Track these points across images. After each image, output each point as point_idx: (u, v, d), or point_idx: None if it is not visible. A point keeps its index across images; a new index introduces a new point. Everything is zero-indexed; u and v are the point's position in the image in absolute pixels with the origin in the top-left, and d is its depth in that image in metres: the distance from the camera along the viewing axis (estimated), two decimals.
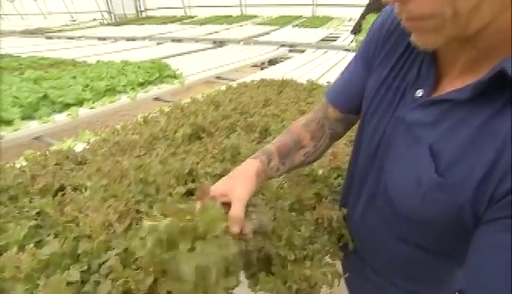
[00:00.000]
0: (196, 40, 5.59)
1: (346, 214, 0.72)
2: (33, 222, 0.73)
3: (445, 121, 0.42)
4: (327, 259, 0.72)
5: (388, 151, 0.53)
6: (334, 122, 0.68)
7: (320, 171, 0.91)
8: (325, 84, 2.13)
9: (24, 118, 1.83)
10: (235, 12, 9.59)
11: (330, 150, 1.06)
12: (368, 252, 0.69)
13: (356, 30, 5.22)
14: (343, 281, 0.84)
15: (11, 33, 7.76)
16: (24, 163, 1.11)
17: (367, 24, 4.44)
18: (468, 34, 0.37)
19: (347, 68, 0.68)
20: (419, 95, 0.47)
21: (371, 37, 0.58)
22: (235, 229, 0.49)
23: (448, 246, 0.53)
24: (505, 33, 0.35)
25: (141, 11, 11.65)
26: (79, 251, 0.62)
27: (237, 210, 0.50)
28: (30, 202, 0.83)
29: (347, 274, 0.67)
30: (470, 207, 0.40)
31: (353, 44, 4.52)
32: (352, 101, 0.64)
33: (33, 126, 1.76)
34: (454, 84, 0.43)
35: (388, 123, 0.53)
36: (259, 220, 0.57)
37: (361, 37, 4.12)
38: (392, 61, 0.53)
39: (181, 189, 0.77)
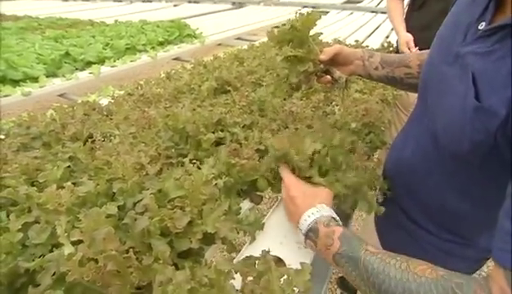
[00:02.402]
0: (214, 1, 5.35)
1: (389, 158, 0.76)
2: (67, 164, 0.74)
3: (496, 51, 0.43)
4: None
5: (441, 86, 0.55)
6: None
7: (353, 124, 0.86)
8: (354, 43, 2.00)
9: (47, 76, 1.84)
10: None
11: (362, 106, 1.01)
12: (406, 198, 0.70)
13: None
14: (373, 228, 0.84)
15: None
16: (54, 114, 1.12)
17: None
18: None
19: None
20: (482, 27, 0.48)
21: None
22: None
23: (484, 192, 0.54)
24: None
25: None
26: (114, 191, 0.63)
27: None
28: (63, 147, 0.84)
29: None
30: (501, 137, 0.41)
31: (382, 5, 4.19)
32: None
33: (57, 83, 1.77)
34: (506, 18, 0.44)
35: (445, 58, 0.54)
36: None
37: None
38: None
39: (211, 136, 0.75)
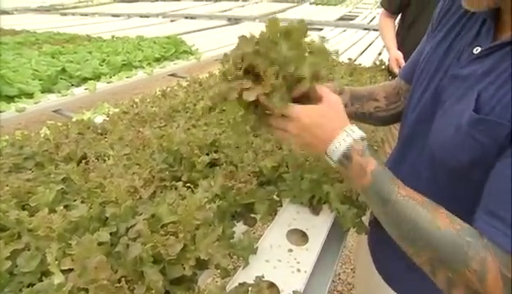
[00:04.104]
0: (211, 17, 5.46)
1: None
2: (60, 186, 0.74)
3: (495, 69, 0.46)
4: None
5: (436, 108, 0.56)
6: (406, 94, 0.72)
7: None
8: (347, 61, 2.04)
9: (43, 92, 1.84)
10: None
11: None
12: None
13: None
14: (367, 252, 0.83)
15: (27, 9, 7.76)
16: (47, 132, 1.12)
17: None
18: None
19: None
20: (477, 51, 0.51)
21: (436, 14, 0.64)
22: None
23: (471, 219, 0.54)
24: None
25: None
26: (107, 215, 0.62)
27: None
28: (56, 168, 0.84)
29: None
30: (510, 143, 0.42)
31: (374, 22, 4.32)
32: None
33: (52, 99, 1.77)
34: (507, 37, 0.47)
35: (439, 83, 0.56)
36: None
37: None
38: (448, 26, 0.59)
39: (206, 159, 0.76)
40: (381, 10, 1.87)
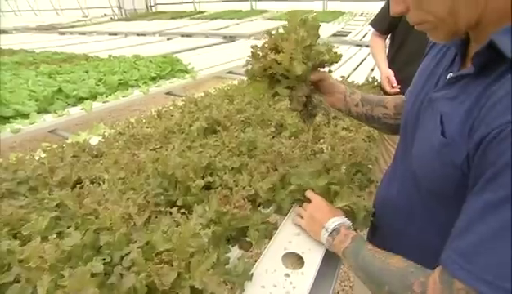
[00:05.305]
0: (206, 35, 5.57)
1: (376, 197, 0.81)
2: (53, 213, 0.73)
3: (461, 95, 0.49)
4: None
5: (416, 128, 0.60)
6: None
7: (343, 168, 0.89)
8: (340, 79, 2.09)
9: (39, 112, 1.85)
10: (245, 7, 9.52)
11: (349, 145, 1.04)
12: (392, 238, 0.72)
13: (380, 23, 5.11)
14: None
15: (26, 28, 7.88)
16: (42, 155, 1.12)
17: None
18: (462, 29, 0.46)
19: None
20: (449, 77, 0.54)
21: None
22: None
23: None
24: (496, 23, 0.42)
25: (151, 6, 11.69)
26: (101, 244, 0.62)
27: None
28: (50, 194, 0.83)
29: None
30: (467, 169, 0.45)
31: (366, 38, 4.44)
32: None
33: (48, 120, 1.78)
34: (467, 69, 0.50)
35: (420, 105, 0.60)
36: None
37: None
38: (434, 51, 0.63)
39: (201, 183, 0.76)
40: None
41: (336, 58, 0.77)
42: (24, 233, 0.65)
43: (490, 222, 0.38)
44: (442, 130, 0.49)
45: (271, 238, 0.78)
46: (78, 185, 0.85)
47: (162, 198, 0.76)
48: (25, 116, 1.77)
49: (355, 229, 0.83)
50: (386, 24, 1.79)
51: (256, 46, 0.75)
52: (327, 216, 0.74)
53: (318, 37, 0.73)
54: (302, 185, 0.83)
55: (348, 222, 0.73)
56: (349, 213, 0.80)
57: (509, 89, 0.39)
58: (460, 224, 0.44)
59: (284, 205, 0.85)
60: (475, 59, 0.45)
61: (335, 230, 0.70)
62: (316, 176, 0.84)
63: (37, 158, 1.07)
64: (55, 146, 1.16)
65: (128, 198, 0.72)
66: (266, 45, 0.73)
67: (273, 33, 0.75)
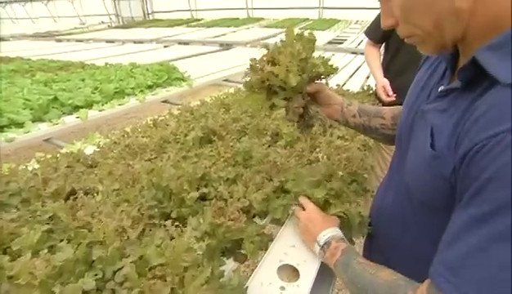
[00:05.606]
0: (203, 43, 5.61)
1: (372, 206, 0.81)
2: (45, 226, 0.72)
3: (451, 108, 0.49)
4: None
5: (410, 139, 0.61)
6: None
7: (340, 173, 0.89)
8: (335, 87, 2.11)
9: (34, 121, 1.84)
10: (242, 15, 9.62)
11: (344, 154, 1.04)
12: (388, 248, 0.73)
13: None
14: None
15: (23, 36, 7.88)
16: (36, 166, 1.11)
17: None
18: (449, 43, 0.47)
19: None
20: (440, 89, 0.55)
21: None
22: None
23: None
24: (480, 38, 0.43)
25: (149, 14, 11.77)
26: (93, 258, 0.61)
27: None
28: (42, 205, 0.82)
29: None
30: (455, 181, 0.46)
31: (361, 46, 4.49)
32: None
33: (43, 129, 1.77)
34: (454, 83, 0.51)
35: (414, 116, 0.61)
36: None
37: None
38: (428, 63, 0.64)
39: (195, 194, 0.76)
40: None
41: (332, 70, 0.78)
42: (15, 249, 0.64)
43: (475, 236, 0.38)
44: (431, 142, 0.50)
45: (266, 250, 0.78)
46: (72, 197, 0.84)
47: (156, 210, 0.75)
48: (20, 125, 1.76)
49: (351, 238, 0.84)
50: (380, 33, 1.81)
51: (254, 58, 0.77)
52: (319, 228, 0.74)
53: (314, 50, 0.74)
54: (299, 193, 0.83)
55: (339, 234, 0.73)
56: (344, 220, 0.80)
57: (491, 104, 0.39)
58: (447, 238, 0.44)
59: (278, 215, 0.84)
60: (461, 74, 0.46)
61: (326, 244, 0.70)
62: (315, 186, 0.84)
63: (30, 168, 1.06)
64: (49, 156, 1.15)
65: (122, 211, 0.72)
66: (264, 58, 0.75)
67: (271, 46, 0.76)
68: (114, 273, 0.59)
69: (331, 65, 0.78)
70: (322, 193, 0.81)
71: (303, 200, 0.82)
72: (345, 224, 0.81)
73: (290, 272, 0.74)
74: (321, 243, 0.71)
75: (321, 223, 0.75)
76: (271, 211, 0.84)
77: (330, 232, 0.72)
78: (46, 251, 0.61)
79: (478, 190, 0.39)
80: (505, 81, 0.38)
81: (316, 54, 0.78)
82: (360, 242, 0.95)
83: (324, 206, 0.82)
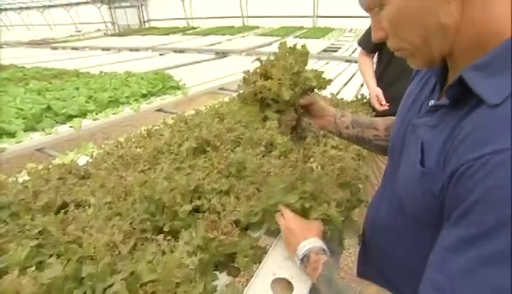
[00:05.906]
0: (199, 51, 5.64)
1: (366, 217, 0.80)
2: (34, 241, 0.70)
3: (441, 124, 0.49)
4: None
5: (402, 152, 0.61)
6: None
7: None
8: (329, 96, 2.12)
9: (26, 130, 1.82)
10: (237, 23, 9.71)
11: (338, 164, 1.04)
12: (382, 260, 0.72)
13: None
14: None
15: (18, 43, 7.86)
16: (27, 177, 1.09)
17: None
18: (437, 57, 0.47)
19: None
20: (431, 104, 0.55)
21: None
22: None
23: None
24: (467, 54, 0.44)
25: (144, 22, 11.83)
26: (83, 275, 0.60)
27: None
28: (32, 219, 0.81)
29: None
30: (444, 199, 0.45)
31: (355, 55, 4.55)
32: None
33: (35, 138, 1.75)
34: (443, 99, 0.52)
35: (405, 130, 0.61)
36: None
37: None
38: (419, 77, 0.64)
39: (188, 207, 0.75)
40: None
41: (325, 83, 0.78)
42: (1, 266, 0.62)
43: (463, 258, 0.38)
44: (421, 159, 0.50)
45: (260, 262, 0.77)
46: (63, 210, 0.82)
47: (148, 223, 0.74)
48: (12, 134, 1.74)
49: (343, 239, 0.82)
50: (372, 43, 1.83)
51: (248, 71, 0.77)
52: (298, 240, 0.71)
53: (306, 63, 0.75)
54: (276, 203, 0.82)
55: (317, 245, 0.69)
56: (327, 221, 0.79)
57: (477, 125, 0.40)
58: (435, 257, 0.44)
59: (272, 227, 0.84)
60: (448, 92, 0.46)
61: (305, 257, 0.68)
62: (288, 191, 0.82)
63: (21, 180, 1.05)
64: (40, 167, 1.14)
65: (114, 225, 0.71)
66: (257, 70, 0.76)
67: (263, 60, 0.77)
68: (105, 290, 0.58)
69: (324, 78, 0.78)
70: (295, 198, 0.79)
71: (282, 208, 0.80)
72: (331, 227, 0.79)
73: (284, 285, 0.73)
74: (300, 257, 0.69)
75: (300, 233, 0.73)
76: (259, 223, 0.83)
77: (308, 244, 0.69)
78: (34, 268, 0.60)
79: (465, 212, 0.39)
80: (491, 101, 0.39)
81: (310, 61, 0.79)
82: (355, 252, 0.95)
83: (303, 211, 0.81)
